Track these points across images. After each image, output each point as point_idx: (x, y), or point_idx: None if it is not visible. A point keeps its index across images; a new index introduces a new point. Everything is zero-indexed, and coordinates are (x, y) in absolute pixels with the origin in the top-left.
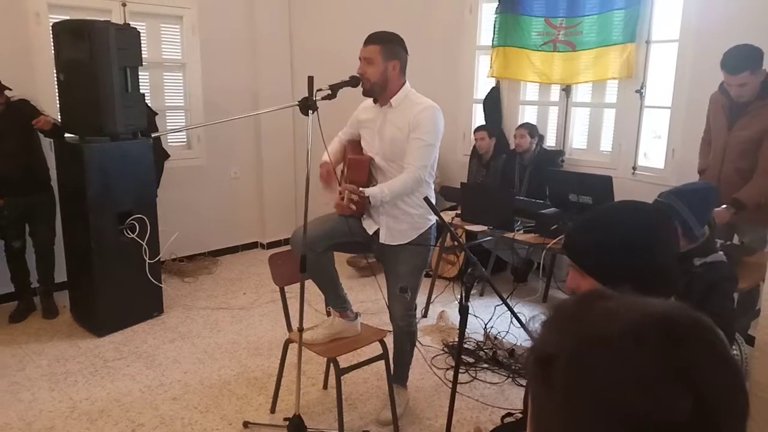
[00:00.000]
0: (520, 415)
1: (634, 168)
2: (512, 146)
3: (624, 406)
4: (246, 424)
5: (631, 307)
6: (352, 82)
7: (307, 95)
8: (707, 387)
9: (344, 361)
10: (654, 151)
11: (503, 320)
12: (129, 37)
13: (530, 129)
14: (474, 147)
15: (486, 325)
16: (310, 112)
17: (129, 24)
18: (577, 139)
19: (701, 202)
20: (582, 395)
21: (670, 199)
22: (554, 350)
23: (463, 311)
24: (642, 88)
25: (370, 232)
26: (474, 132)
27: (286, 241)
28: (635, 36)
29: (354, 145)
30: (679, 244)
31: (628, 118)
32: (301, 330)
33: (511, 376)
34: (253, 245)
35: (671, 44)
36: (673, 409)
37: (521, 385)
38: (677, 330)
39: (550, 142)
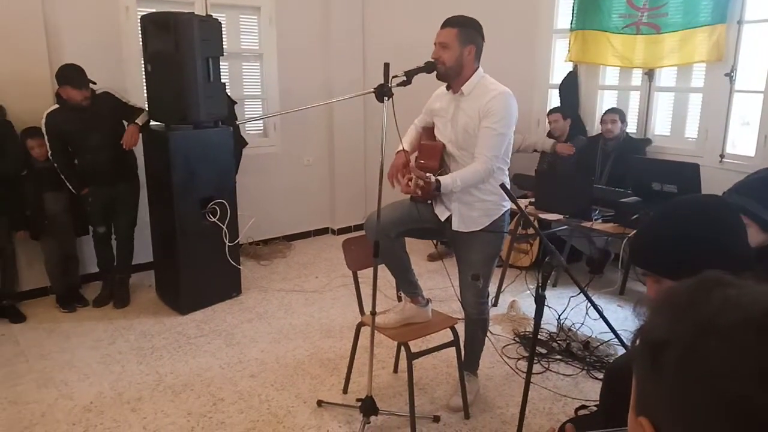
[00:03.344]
0: (595, 408)
1: (721, 156)
2: (599, 132)
3: (742, 398)
4: (320, 403)
5: (753, 297)
6: (427, 67)
7: (381, 82)
8: None
9: (414, 346)
10: (741, 138)
11: (577, 312)
12: (211, 28)
13: (621, 114)
14: (548, 132)
15: (560, 316)
16: (386, 98)
17: (211, 15)
18: (660, 126)
19: None
20: (696, 384)
21: (731, 197)
22: (667, 336)
23: (540, 300)
24: (732, 71)
25: (442, 219)
26: (547, 115)
27: (356, 227)
28: (726, 16)
29: (429, 131)
30: (746, 229)
31: (716, 103)
32: (373, 314)
33: (585, 368)
34: (324, 231)
35: (767, 24)
36: None
37: (596, 378)
38: None
39: (631, 128)
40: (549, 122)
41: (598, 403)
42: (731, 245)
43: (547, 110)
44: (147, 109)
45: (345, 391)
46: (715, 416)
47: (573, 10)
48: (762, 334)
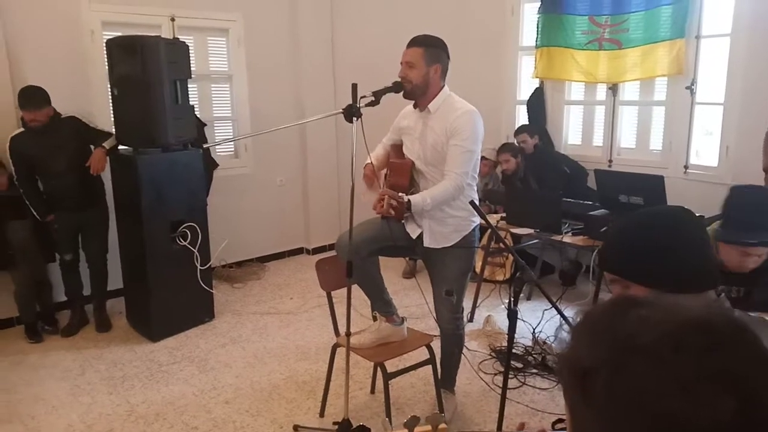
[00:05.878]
0: None
1: (685, 167)
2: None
3: (666, 414)
4: (296, 428)
5: (667, 314)
6: (395, 87)
7: (350, 103)
8: (751, 388)
9: (391, 365)
10: (705, 149)
11: (552, 325)
12: (178, 50)
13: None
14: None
15: (534, 329)
16: (354, 119)
17: (178, 38)
18: (626, 139)
19: None
20: (623, 407)
21: (729, 236)
22: (591, 362)
23: (512, 316)
24: (692, 84)
25: (414, 236)
26: (516, 134)
27: (331, 247)
28: (684, 31)
29: (397, 149)
30: (708, 240)
31: (679, 116)
32: (348, 334)
33: None
34: (299, 251)
35: (723, 39)
36: (715, 412)
37: None
38: (715, 334)
39: (597, 141)
40: (519, 142)
41: None
42: (692, 255)
43: (516, 126)
44: (114, 133)
45: (322, 414)
46: None
47: (538, 27)
48: (678, 350)
